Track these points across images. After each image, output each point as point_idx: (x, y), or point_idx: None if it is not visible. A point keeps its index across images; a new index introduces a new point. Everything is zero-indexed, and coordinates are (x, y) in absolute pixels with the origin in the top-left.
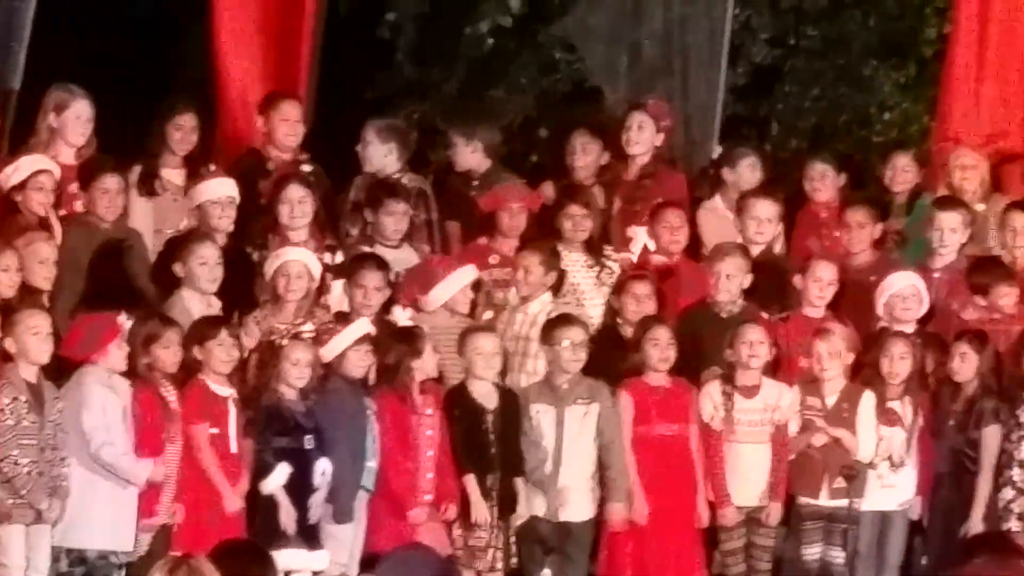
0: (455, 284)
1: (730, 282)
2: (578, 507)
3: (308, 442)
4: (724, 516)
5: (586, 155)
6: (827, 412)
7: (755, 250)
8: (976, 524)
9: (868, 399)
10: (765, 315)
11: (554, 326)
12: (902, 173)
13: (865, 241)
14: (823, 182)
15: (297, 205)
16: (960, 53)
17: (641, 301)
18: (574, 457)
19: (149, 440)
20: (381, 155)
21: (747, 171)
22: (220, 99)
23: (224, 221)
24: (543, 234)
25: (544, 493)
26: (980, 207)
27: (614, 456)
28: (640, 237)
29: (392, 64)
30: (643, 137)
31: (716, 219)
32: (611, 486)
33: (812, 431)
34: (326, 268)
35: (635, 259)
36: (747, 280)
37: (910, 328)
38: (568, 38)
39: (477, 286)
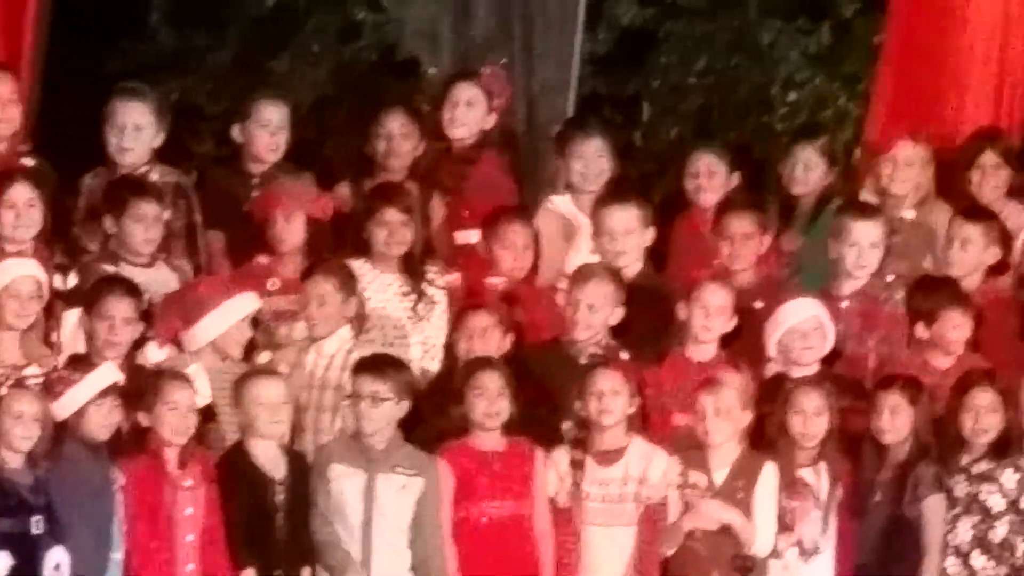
0: (229, 316)
1: (592, 315)
2: None
3: (37, 525)
4: None
5: (402, 143)
6: (715, 490)
7: (624, 273)
8: None
9: (769, 473)
10: (625, 355)
11: (360, 373)
12: (807, 171)
13: (749, 256)
14: (710, 181)
15: (24, 210)
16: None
17: (478, 339)
18: (388, 540)
19: None
20: (150, 145)
21: (590, 161)
22: None
23: None
24: (339, 250)
25: None
26: (909, 214)
27: (430, 552)
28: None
29: (144, 27)
30: (471, 117)
31: (557, 224)
32: None
33: (695, 516)
34: (56, 295)
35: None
36: (616, 314)
37: (809, 372)
38: None
39: (255, 321)
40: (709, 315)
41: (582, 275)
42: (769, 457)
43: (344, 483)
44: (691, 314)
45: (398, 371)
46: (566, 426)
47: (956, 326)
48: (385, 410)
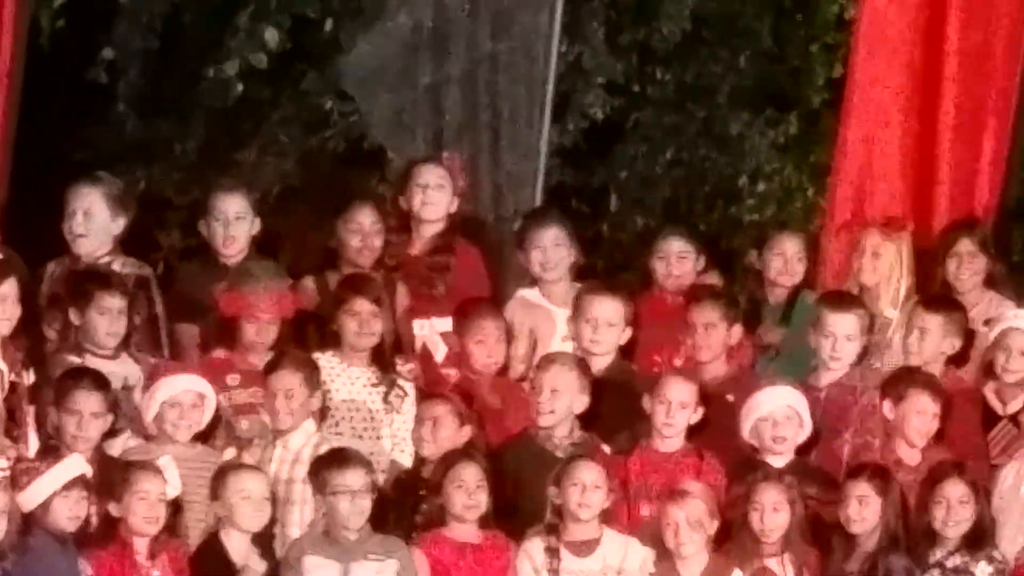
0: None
1: (555, 400)
2: None
3: None
4: None
5: (375, 239)
6: None
7: (596, 363)
8: None
9: None
10: (607, 448)
11: (324, 467)
12: (794, 263)
13: (716, 348)
14: (682, 265)
15: (10, 306)
16: (857, 104)
17: (431, 428)
18: None
19: None
20: (107, 232)
21: (549, 250)
22: None
23: None
24: (300, 341)
25: None
26: (891, 313)
27: None
28: (432, 334)
29: (110, 116)
30: (440, 198)
31: (528, 314)
32: None
33: None
34: (26, 392)
35: (425, 365)
36: (581, 401)
37: (784, 460)
38: (342, 84)
39: (216, 416)
40: (671, 410)
41: (546, 361)
42: (735, 562)
43: (319, 574)
44: (654, 408)
45: (363, 465)
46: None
47: (921, 411)
48: (367, 503)
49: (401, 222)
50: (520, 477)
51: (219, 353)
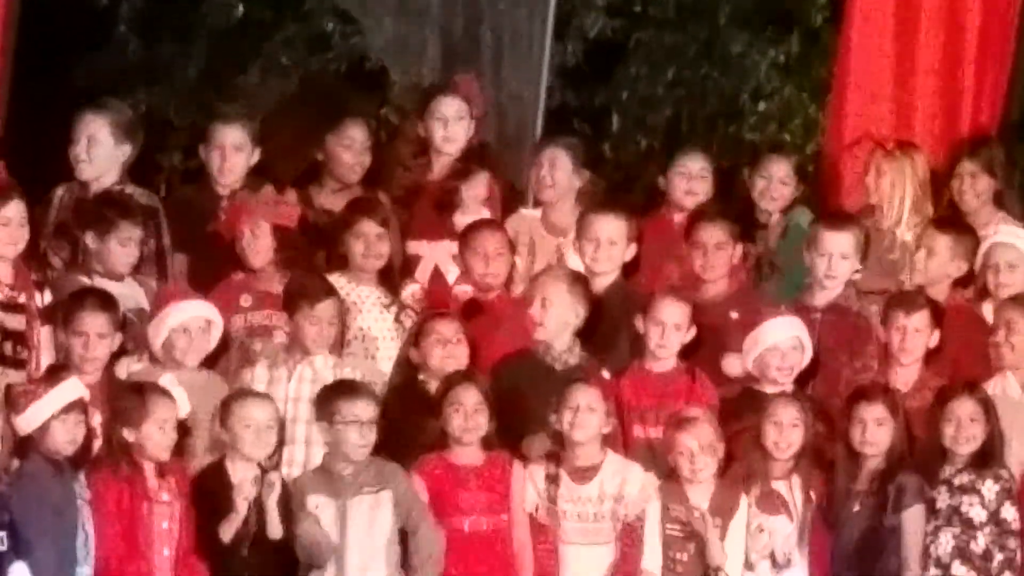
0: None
1: (547, 312)
2: None
3: (1, 541)
4: None
5: (365, 155)
6: (695, 524)
7: (598, 282)
8: None
9: (744, 507)
10: (606, 373)
11: (333, 397)
12: (779, 187)
13: (722, 267)
14: (702, 184)
15: (16, 228)
16: (858, 21)
17: (456, 345)
18: (360, 564)
19: None
20: (112, 159)
21: (560, 173)
22: None
23: None
24: (304, 261)
25: None
26: (907, 236)
27: (421, 543)
28: (430, 256)
29: (111, 39)
30: (460, 131)
31: (529, 231)
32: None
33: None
34: (37, 311)
35: (424, 288)
36: (577, 315)
37: (782, 390)
38: (344, 5)
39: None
40: (665, 331)
41: (537, 274)
42: (743, 487)
43: (321, 514)
44: (647, 329)
45: (370, 398)
46: (532, 444)
47: (919, 328)
48: (373, 435)
49: (419, 148)
50: (518, 392)
51: (237, 275)
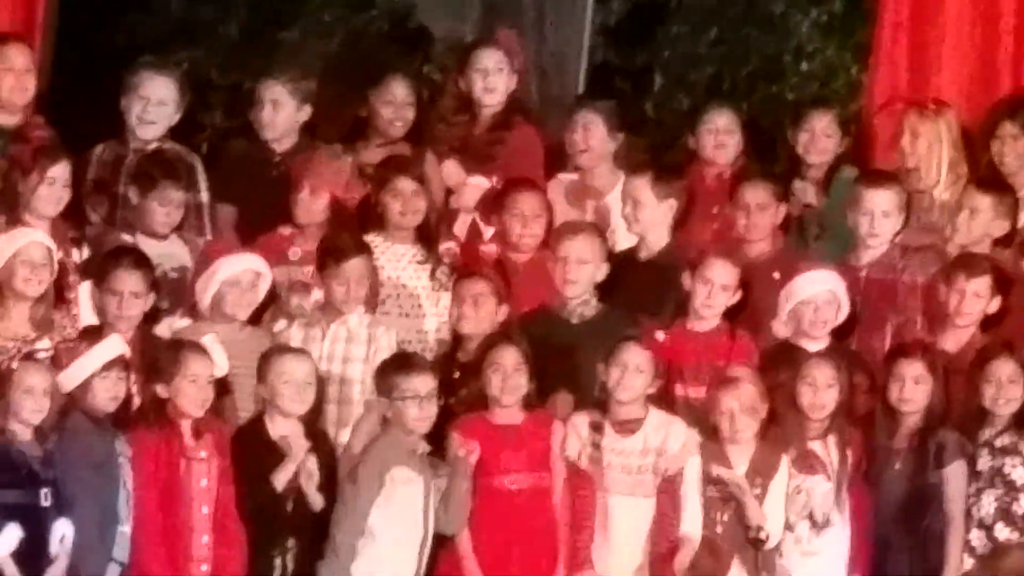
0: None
1: (579, 270)
2: None
3: (45, 497)
4: None
5: (407, 111)
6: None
7: (647, 241)
8: None
9: (784, 468)
10: (660, 335)
11: (391, 371)
12: (822, 139)
13: (766, 227)
14: (729, 138)
15: (60, 187)
16: None
17: (470, 307)
18: (425, 543)
19: None
20: (172, 119)
21: (594, 137)
22: None
23: None
24: (346, 224)
25: None
26: (945, 195)
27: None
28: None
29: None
30: (500, 82)
31: (564, 197)
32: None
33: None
34: (74, 268)
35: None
36: (601, 271)
37: (820, 345)
38: None
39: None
40: (713, 291)
41: (571, 230)
42: (782, 448)
43: (398, 490)
44: (695, 288)
45: (428, 371)
46: (555, 402)
47: (978, 293)
48: (434, 409)
49: (461, 103)
50: (537, 349)
51: (284, 229)
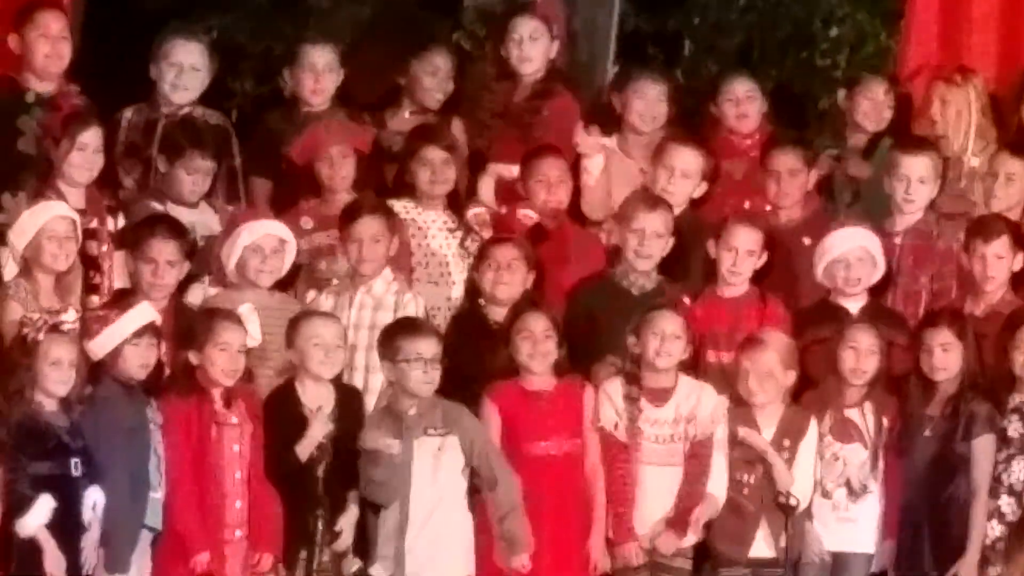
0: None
1: (654, 243)
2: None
3: (75, 467)
4: (625, 555)
5: (447, 82)
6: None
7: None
8: (971, 566)
9: (813, 430)
10: (687, 300)
11: (396, 335)
12: (882, 108)
13: (796, 193)
14: (751, 105)
15: (92, 154)
16: None
17: (504, 272)
18: (428, 502)
19: None
20: (203, 85)
21: (647, 101)
22: None
23: None
24: (374, 184)
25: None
26: (975, 161)
27: (508, 495)
28: (511, 178)
29: None
30: (537, 50)
31: (605, 158)
32: (508, 536)
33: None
34: (108, 236)
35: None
36: (669, 244)
37: (858, 303)
38: None
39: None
40: (738, 257)
41: (648, 204)
42: (813, 412)
43: (385, 453)
44: (720, 255)
45: (433, 336)
46: (599, 371)
47: (1000, 255)
48: (438, 373)
49: (502, 70)
50: (593, 317)
51: (308, 201)
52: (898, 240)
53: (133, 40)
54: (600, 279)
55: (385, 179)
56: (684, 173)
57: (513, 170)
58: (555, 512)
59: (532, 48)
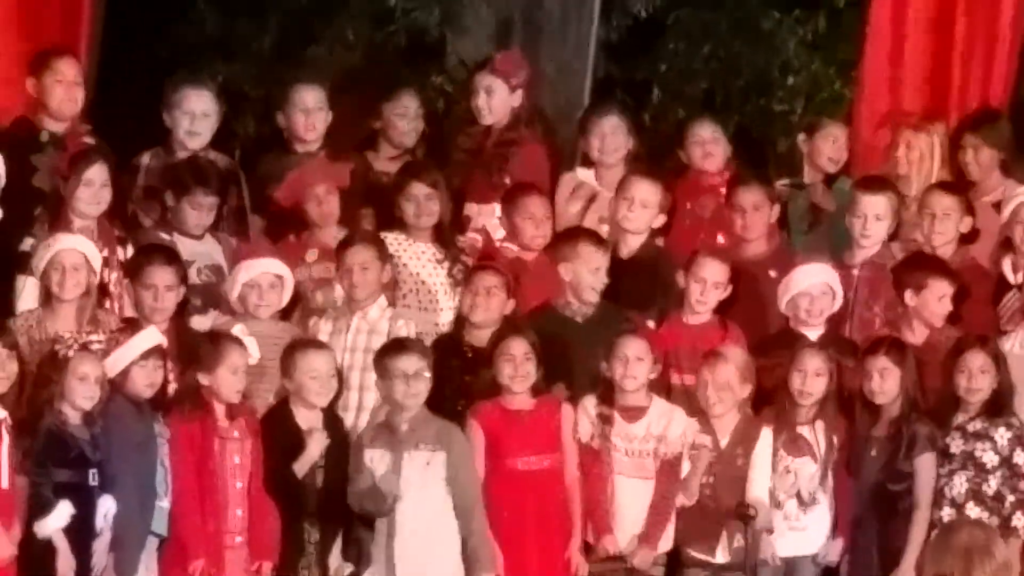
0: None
1: (597, 277)
2: None
3: (93, 477)
4: (605, 545)
5: (419, 122)
6: (719, 453)
7: (629, 241)
8: (907, 573)
9: (766, 436)
10: (651, 323)
11: (383, 355)
12: (837, 150)
13: (761, 227)
14: (716, 147)
15: (99, 189)
16: (880, 2)
17: (483, 297)
18: (416, 514)
19: None
20: (213, 128)
21: (608, 136)
22: None
23: None
24: (355, 215)
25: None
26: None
27: (473, 521)
28: (478, 218)
29: (191, 14)
30: (494, 103)
31: (573, 188)
32: (472, 556)
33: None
34: (118, 265)
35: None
36: (604, 277)
37: (817, 331)
38: None
39: (296, 298)
40: (706, 288)
41: (589, 242)
42: (766, 422)
43: (376, 466)
44: (689, 286)
45: (419, 352)
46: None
47: (941, 296)
48: (421, 386)
49: (474, 117)
50: (547, 343)
51: (293, 239)
52: (855, 272)
53: (145, 86)
54: (546, 309)
55: (363, 210)
56: (643, 203)
57: (483, 209)
58: (538, 522)
59: (489, 100)
